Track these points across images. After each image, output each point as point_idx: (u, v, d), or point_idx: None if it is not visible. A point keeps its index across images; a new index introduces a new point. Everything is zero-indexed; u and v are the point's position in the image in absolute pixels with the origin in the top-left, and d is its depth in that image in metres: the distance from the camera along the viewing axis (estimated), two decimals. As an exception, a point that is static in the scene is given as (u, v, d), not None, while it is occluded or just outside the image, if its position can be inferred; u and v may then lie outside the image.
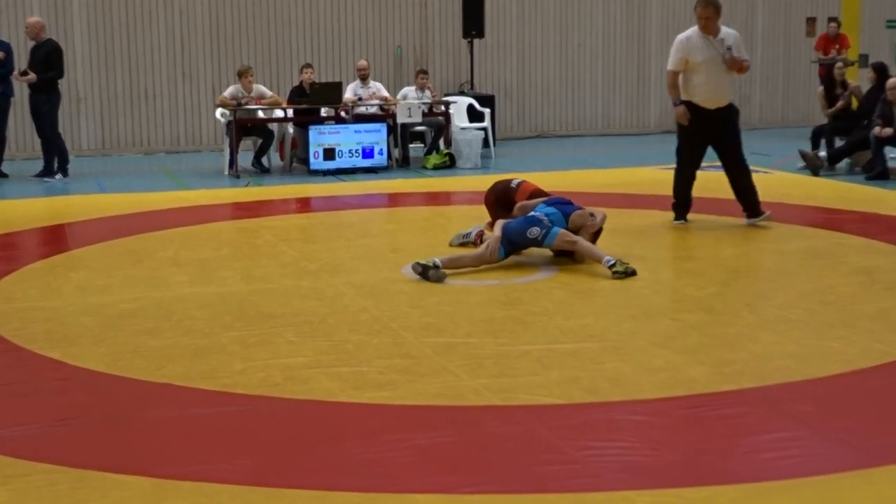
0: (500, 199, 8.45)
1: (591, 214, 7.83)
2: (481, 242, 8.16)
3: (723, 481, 3.96)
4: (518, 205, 8.12)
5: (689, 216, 9.40)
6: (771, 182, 12.22)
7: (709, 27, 8.99)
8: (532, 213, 7.76)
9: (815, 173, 12.71)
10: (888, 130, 12.30)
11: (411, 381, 5.18)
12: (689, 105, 9.00)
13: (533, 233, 7.57)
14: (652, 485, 3.93)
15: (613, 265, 7.25)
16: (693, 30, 9.09)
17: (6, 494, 3.92)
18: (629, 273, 7.23)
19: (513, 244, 7.65)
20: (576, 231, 7.66)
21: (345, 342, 5.87)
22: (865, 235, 8.65)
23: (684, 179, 9.29)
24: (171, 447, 4.41)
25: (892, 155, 13.55)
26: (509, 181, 8.67)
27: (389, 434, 4.48)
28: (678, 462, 4.16)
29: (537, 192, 8.35)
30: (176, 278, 7.53)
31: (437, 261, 7.29)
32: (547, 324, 6.24)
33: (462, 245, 8.30)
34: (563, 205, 7.87)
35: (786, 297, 6.76)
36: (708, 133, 9.08)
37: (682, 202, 9.33)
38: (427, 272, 7.21)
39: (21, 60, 14.21)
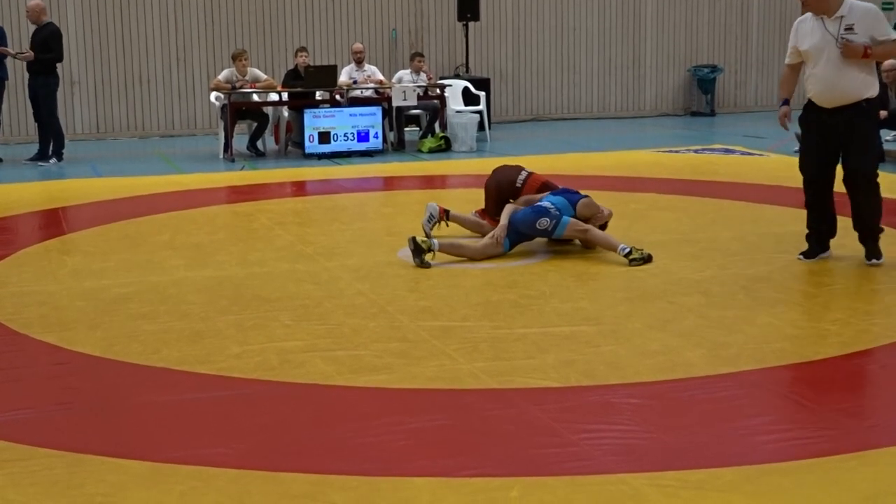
0: (504, 193, 7.99)
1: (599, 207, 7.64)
2: (447, 219, 8.03)
3: (720, 464, 3.96)
4: (524, 197, 7.85)
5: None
6: (767, 165, 12.24)
7: (815, 5, 6.96)
8: (539, 202, 7.58)
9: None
10: (883, 113, 12.27)
11: (407, 364, 5.18)
12: (808, 103, 7.13)
13: (542, 224, 7.39)
14: (649, 467, 3.93)
15: (629, 253, 7.15)
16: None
17: (3, 479, 3.91)
18: (646, 259, 7.16)
19: (520, 235, 7.50)
20: (583, 221, 7.49)
21: (341, 326, 5.86)
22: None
23: (808, 198, 7.26)
24: (167, 431, 4.40)
25: (887, 137, 13.56)
26: (516, 174, 8.07)
27: (386, 417, 4.48)
28: (675, 445, 4.16)
29: (546, 186, 7.98)
30: (171, 262, 7.52)
31: (436, 243, 7.25)
32: (543, 307, 6.24)
33: (433, 227, 7.97)
34: (569, 194, 7.71)
35: (782, 280, 6.76)
36: (829, 138, 7.01)
37: (812, 230, 7.32)
38: (415, 255, 7.15)
39: (16, 44, 14.19)
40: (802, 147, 7.40)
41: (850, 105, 6.88)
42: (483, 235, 7.88)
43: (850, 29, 6.79)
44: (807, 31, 7.03)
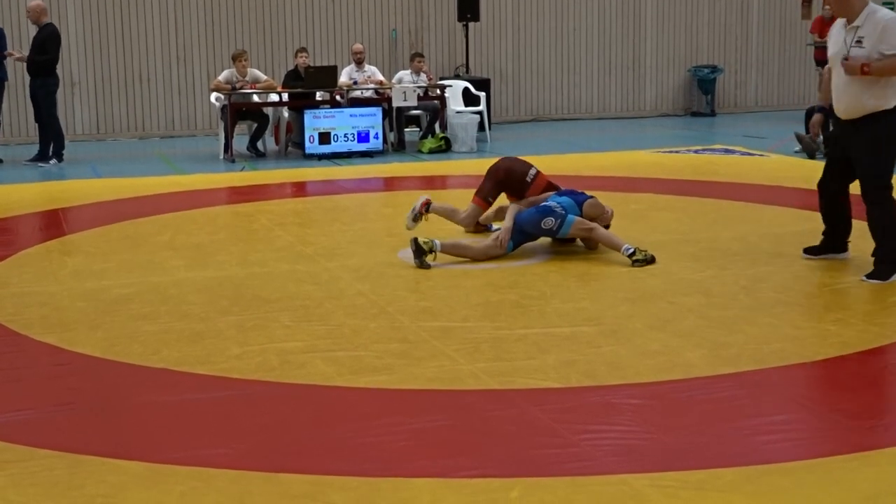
0: (512, 181, 7.96)
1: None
2: (427, 211, 8.00)
3: (720, 464, 3.96)
4: (528, 199, 7.80)
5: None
6: (767, 165, 12.24)
7: (836, 8, 6.73)
8: (544, 202, 7.55)
9: (811, 156, 12.70)
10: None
11: (408, 365, 5.18)
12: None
13: (548, 223, 7.36)
14: (649, 468, 3.93)
15: (633, 254, 7.13)
16: None
17: (3, 479, 3.91)
18: (649, 261, 7.14)
19: (525, 235, 7.48)
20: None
21: (341, 326, 5.86)
22: (861, 218, 8.62)
23: (821, 201, 7.15)
24: (167, 432, 4.40)
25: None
26: (527, 168, 8.02)
27: (386, 418, 4.48)
28: (676, 445, 4.16)
29: (551, 186, 7.99)
30: (172, 263, 7.52)
31: (438, 244, 7.23)
32: (544, 307, 6.24)
33: (416, 220, 7.97)
34: (575, 195, 7.67)
35: (782, 280, 6.75)
36: (842, 148, 6.89)
37: (826, 230, 7.25)
38: (416, 256, 7.13)
39: (17, 45, 14.21)
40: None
41: (861, 118, 6.60)
42: (457, 223, 8.02)
43: (860, 42, 6.51)
44: (832, 36, 6.82)
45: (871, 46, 6.47)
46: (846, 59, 6.54)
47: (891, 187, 6.76)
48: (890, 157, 6.74)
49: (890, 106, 6.56)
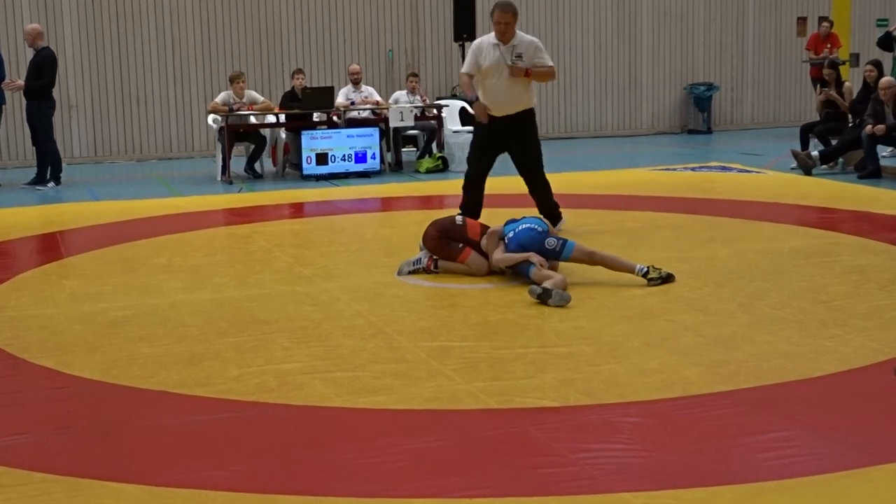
0: (446, 234, 7.61)
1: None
2: (435, 268, 7.60)
3: (719, 482, 3.96)
4: (488, 232, 7.52)
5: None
6: (764, 182, 12.26)
7: (500, 35, 8.63)
8: (526, 226, 7.37)
9: (808, 173, 12.73)
10: (881, 128, 12.31)
11: (406, 385, 5.18)
12: None
13: (551, 243, 7.25)
14: (648, 486, 3.93)
15: (647, 273, 7.07)
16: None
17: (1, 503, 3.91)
18: (665, 279, 7.06)
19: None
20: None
21: (339, 347, 5.86)
22: (858, 234, 8.66)
23: (476, 192, 9.20)
24: (165, 454, 4.40)
25: (883, 153, 13.59)
26: (452, 218, 7.84)
27: (385, 438, 4.48)
28: (674, 463, 4.16)
29: (483, 227, 7.69)
30: (169, 285, 7.52)
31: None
32: (541, 326, 6.24)
33: (413, 272, 7.61)
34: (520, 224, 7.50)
35: (780, 297, 6.76)
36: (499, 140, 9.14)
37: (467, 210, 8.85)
38: (544, 298, 6.66)
39: (14, 69, 14.25)
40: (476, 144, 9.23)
41: (514, 115, 8.81)
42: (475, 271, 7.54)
43: (520, 56, 8.62)
44: (485, 52, 8.67)
45: (528, 59, 8.64)
46: (515, 65, 8.56)
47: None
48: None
49: (532, 105, 8.90)
